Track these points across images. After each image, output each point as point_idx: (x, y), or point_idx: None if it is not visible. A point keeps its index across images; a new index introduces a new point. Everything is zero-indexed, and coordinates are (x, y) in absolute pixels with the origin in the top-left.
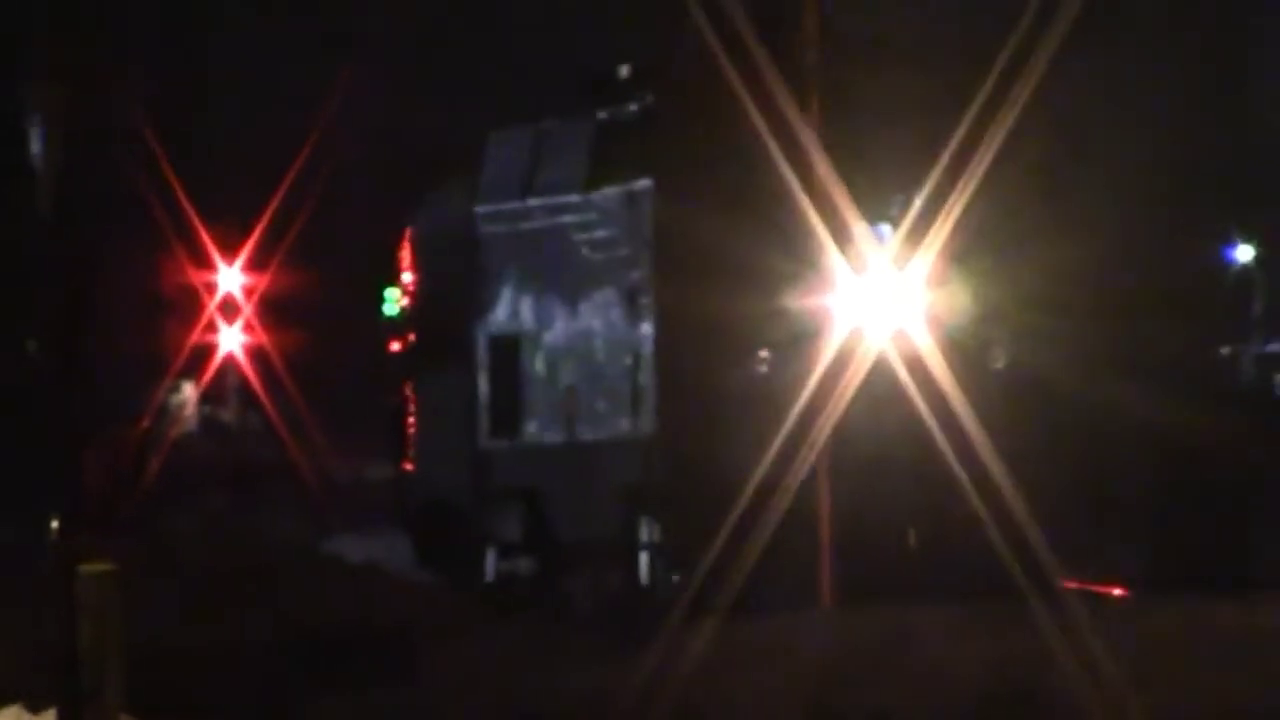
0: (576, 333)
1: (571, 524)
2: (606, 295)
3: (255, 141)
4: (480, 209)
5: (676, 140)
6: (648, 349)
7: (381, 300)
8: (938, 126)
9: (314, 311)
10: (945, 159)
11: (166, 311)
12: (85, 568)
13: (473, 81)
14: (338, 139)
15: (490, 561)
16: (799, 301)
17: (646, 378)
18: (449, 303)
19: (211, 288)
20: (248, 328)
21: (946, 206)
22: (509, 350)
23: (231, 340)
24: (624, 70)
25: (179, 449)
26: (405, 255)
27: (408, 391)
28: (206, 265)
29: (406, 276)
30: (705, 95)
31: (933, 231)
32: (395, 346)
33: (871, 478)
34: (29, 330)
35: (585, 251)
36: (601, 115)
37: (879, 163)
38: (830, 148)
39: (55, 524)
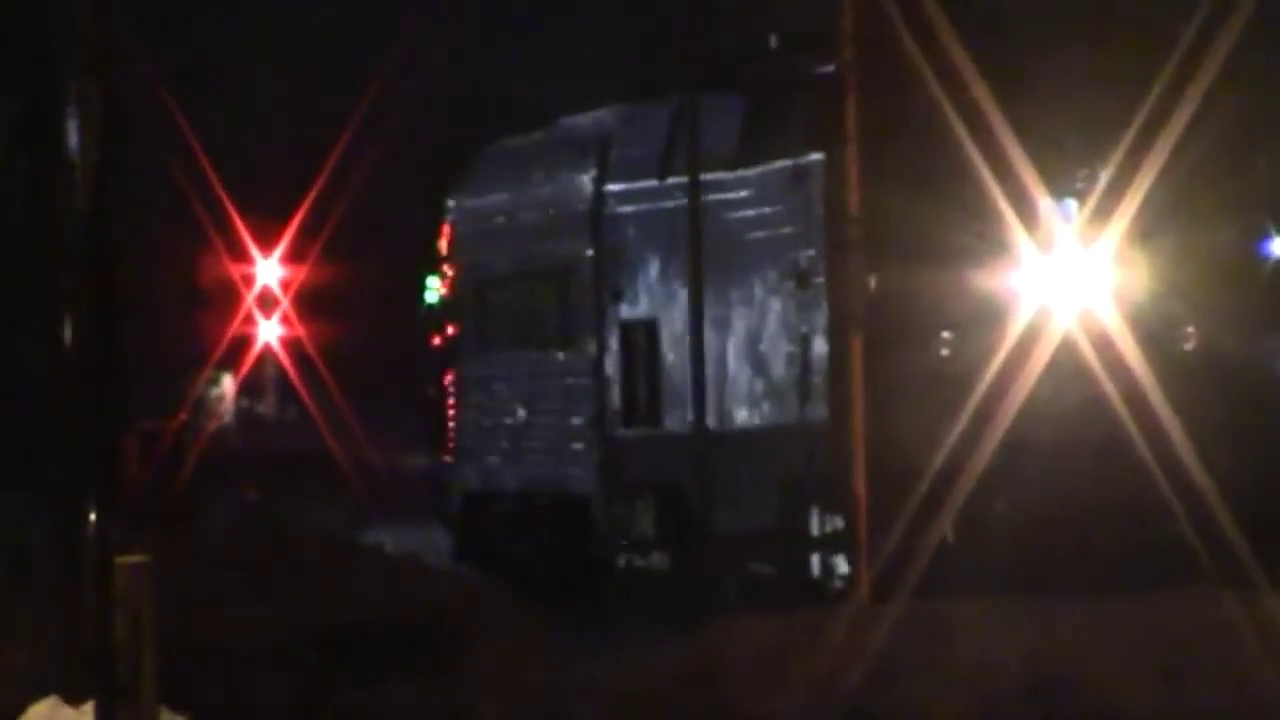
0: (732, 317)
1: (725, 516)
2: (769, 277)
3: (293, 131)
4: (613, 188)
5: (847, 112)
6: (820, 332)
7: (422, 289)
8: (1124, 100)
9: (352, 302)
10: (1131, 134)
11: (204, 304)
12: (120, 560)
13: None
14: (378, 126)
15: (620, 556)
16: (981, 281)
17: (818, 363)
18: (502, 292)
19: (249, 280)
20: (285, 320)
21: (1133, 182)
22: (647, 337)
23: (269, 332)
24: (773, 39)
25: (216, 441)
26: (445, 242)
27: (449, 382)
28: (244, 257)
29: (447, 265)
30: (879, 65)
31: (1119, 208)
32: (435, 338)
33: (1056, 464)
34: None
35: (743, 232)
36: (759, 87)
37: (1065, 137)
38: (1014, 120)
39: (91, 516)
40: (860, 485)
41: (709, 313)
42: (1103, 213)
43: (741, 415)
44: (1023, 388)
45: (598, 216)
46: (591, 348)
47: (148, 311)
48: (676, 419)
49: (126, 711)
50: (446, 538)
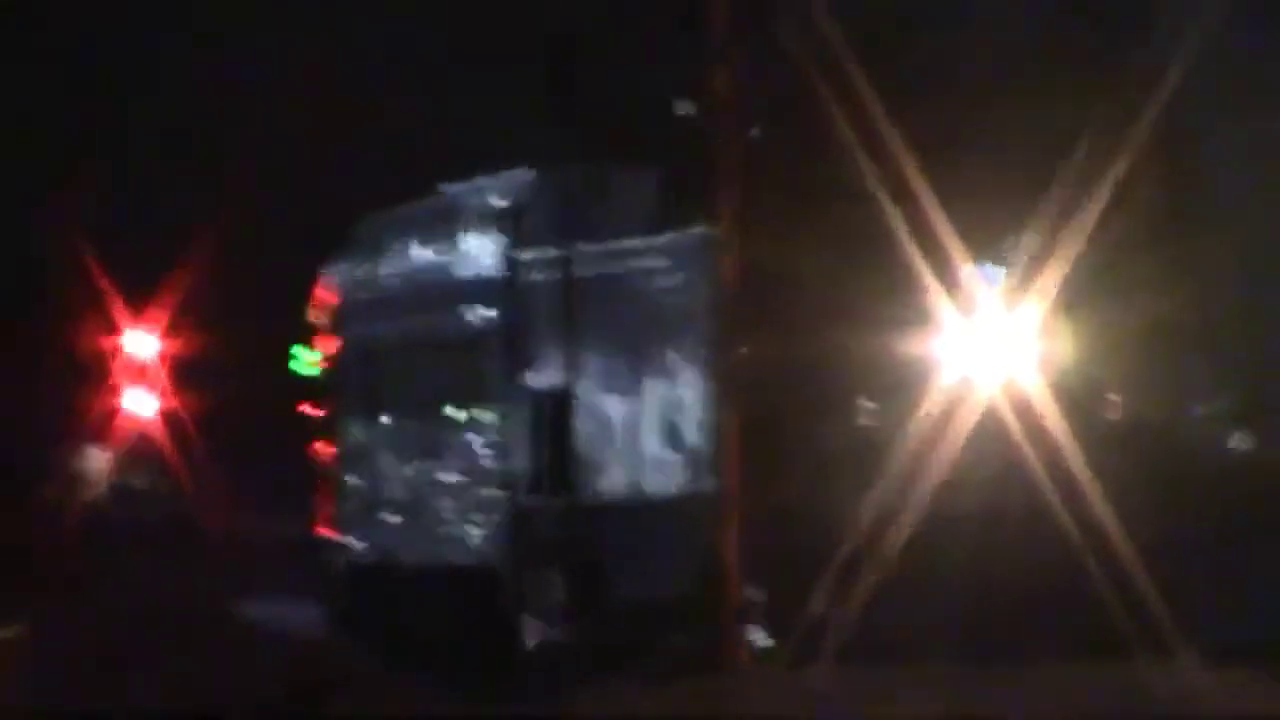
0: (644, 386)
1: (636, 584)
2: (682, 346)
3: (165, 200)
4: (524, 255)
5: (760, 179)
6: (722, 401)
7: (290, 359)
8: (1051, 168)
9: (224, 372)
10: (1058, 201)
11: (75, 376)
12: None
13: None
14: (249, 197)
15: (528, 625)
16: (903, 347)
17: (723, 432)
18: (394, 360)
19: (120, 351)
20: (157, 391)
21: (1059, 250)
22: (557, 406)
23: (141, 404)
24: (684, 106)
25: (88, 513)
26: (325, 310)
27: (330, 453)
28: (115, 329)
29: (327, 333)
30: (800, 131)
31: (1045, 275)
32: (310, 408)
33: (978, 533)
34: None
35: (652, 299)
36: (670, 155)
37: (990, 203)
38: (938, 186)
39: None
40: (730, 549)
41: (621, 381)
42: (1028, 280)
43: (656, 485)
44: (945, 456)
45: (508, 284)
46: (500, 416)
47: (15, 384)
48: (588, 487)
49: None
50: (321, 608)
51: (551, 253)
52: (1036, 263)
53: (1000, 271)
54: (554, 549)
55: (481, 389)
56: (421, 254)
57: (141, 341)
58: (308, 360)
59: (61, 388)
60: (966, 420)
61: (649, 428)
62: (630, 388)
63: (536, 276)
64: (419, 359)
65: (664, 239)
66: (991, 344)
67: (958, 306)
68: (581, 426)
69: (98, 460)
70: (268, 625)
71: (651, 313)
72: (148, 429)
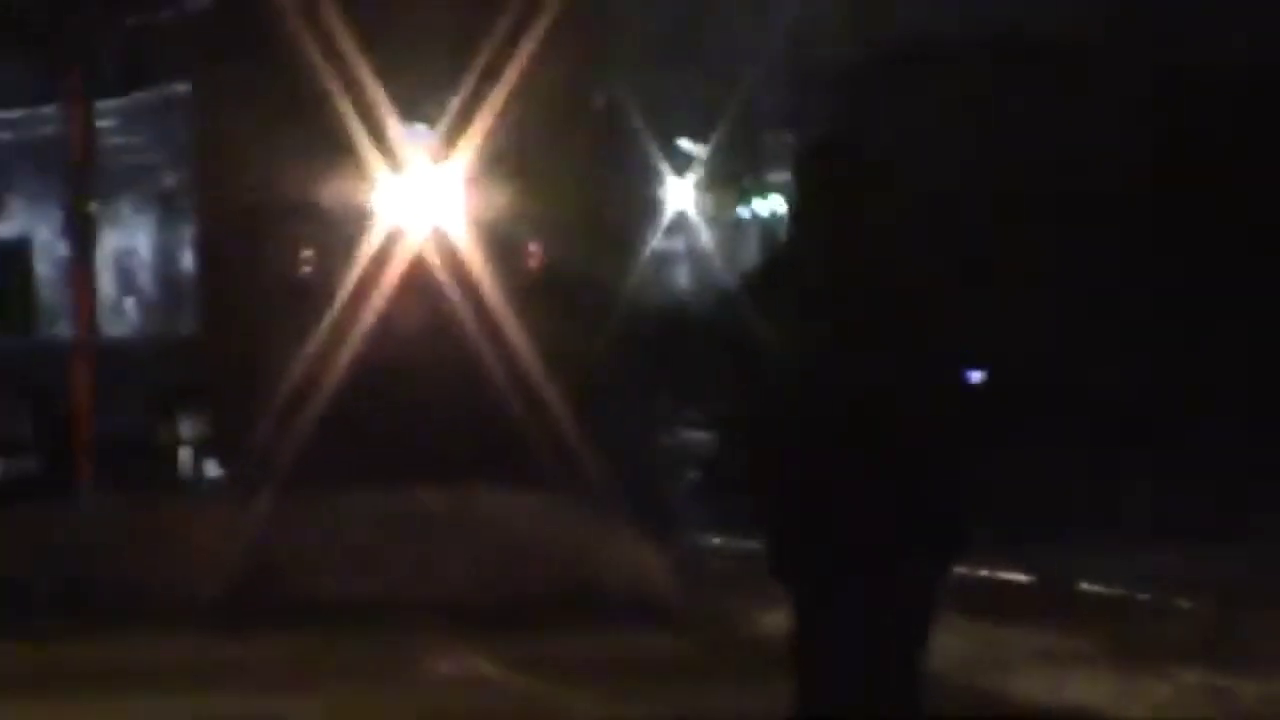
0: (103, 237)
1: (99, 421)
2: (137, 200)
3: None
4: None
5: (216, 42)
6: (189, 252)
7: None
8: (476, 27)
9: None
10: (481, 61)
11: None
12: None
13: None
14: None
15: None
16: (339, 202)
17: (184, 279)
18: None
19: None
20: None
21: (481, 108)
22: (21, 255)
23: None
24: None
25: None
26: None
27: None
28: None
29: None
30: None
31: (469, 132)
32: None
33: (405, 377)
34: None
35: (115, 157)
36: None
37: (418, 62)
38: (368, 47)
39: None
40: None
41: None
42: (453, 137)
43: (116, 327)
44: (374, 305)
45: None
46: None
47: None
48: (49, 330)
49: None
50: None
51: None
52: (462, 121)
53: (428, 130)
54: (20, 386)
55: None
56: None
57: None
58: None
59: None
60: (397, 268)
61: (109, 276)
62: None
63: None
64: None
65: (125, 100)
66: (421, 198)
67: (390, 164)
68: (44, 274)
69: None
70: None
71: (112, 171)
72: None
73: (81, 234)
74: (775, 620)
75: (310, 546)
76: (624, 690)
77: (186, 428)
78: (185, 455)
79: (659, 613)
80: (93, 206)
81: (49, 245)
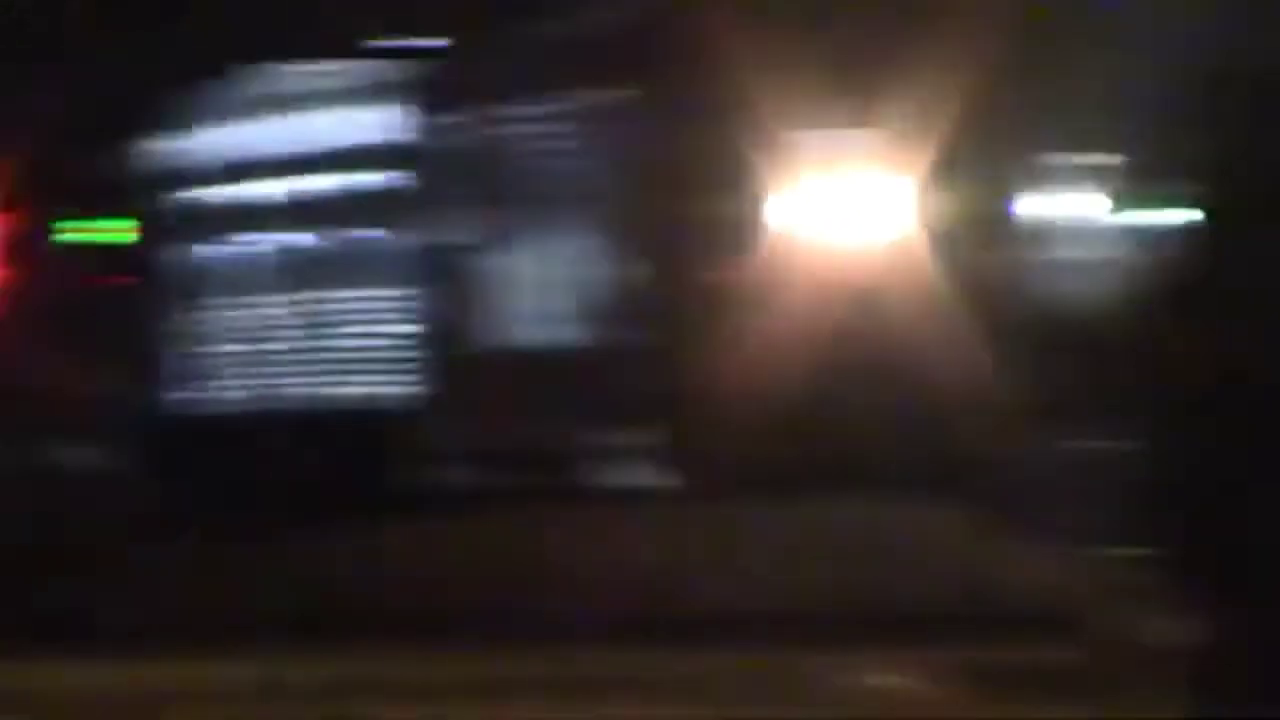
0: (558, 245)
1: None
2: (579, 208)
3: None
4: (441, 118)
5: (646, 51)
6: (613, 257)
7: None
8: (922, 26)
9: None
10: (923, 65)
11: None
12: None
13: None
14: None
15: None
16: (776, 208)
17: (636, 285)
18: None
19: None
20: None
21: (927, 111)
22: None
23: None
24: None
25: None
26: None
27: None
28: None
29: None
30: (684, 8)
31: (917, 134)
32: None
33: (855, 385)
34: None
35: (551, 163)
36: (562, 25)
37: (854, 66)
38: (808, 53)
39: None
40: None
41: (527, 239)
42: (895, 142)
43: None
44: (817, 312)
45: (419, 148)
46: (412, 274)
47: None
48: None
49: None
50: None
51: (466, 115)
52: (908, 125)
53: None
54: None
55: (393, 250)
56: (310, 119)
57: None
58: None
59: None
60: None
61: (552, 282)
62: (535, 244)
63: (451, 139)
64: (297, 224)
65: (570, 103)
66: (868, 203)
67: (834, 169)
68: (492, 281)
69: None
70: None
71: (554, 173)
72: None
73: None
74: (1179, 630)
75: (712, 557)
76: (1042, 701)
77: (634, 436)
78: (632, 463)
79: (1061, 623)
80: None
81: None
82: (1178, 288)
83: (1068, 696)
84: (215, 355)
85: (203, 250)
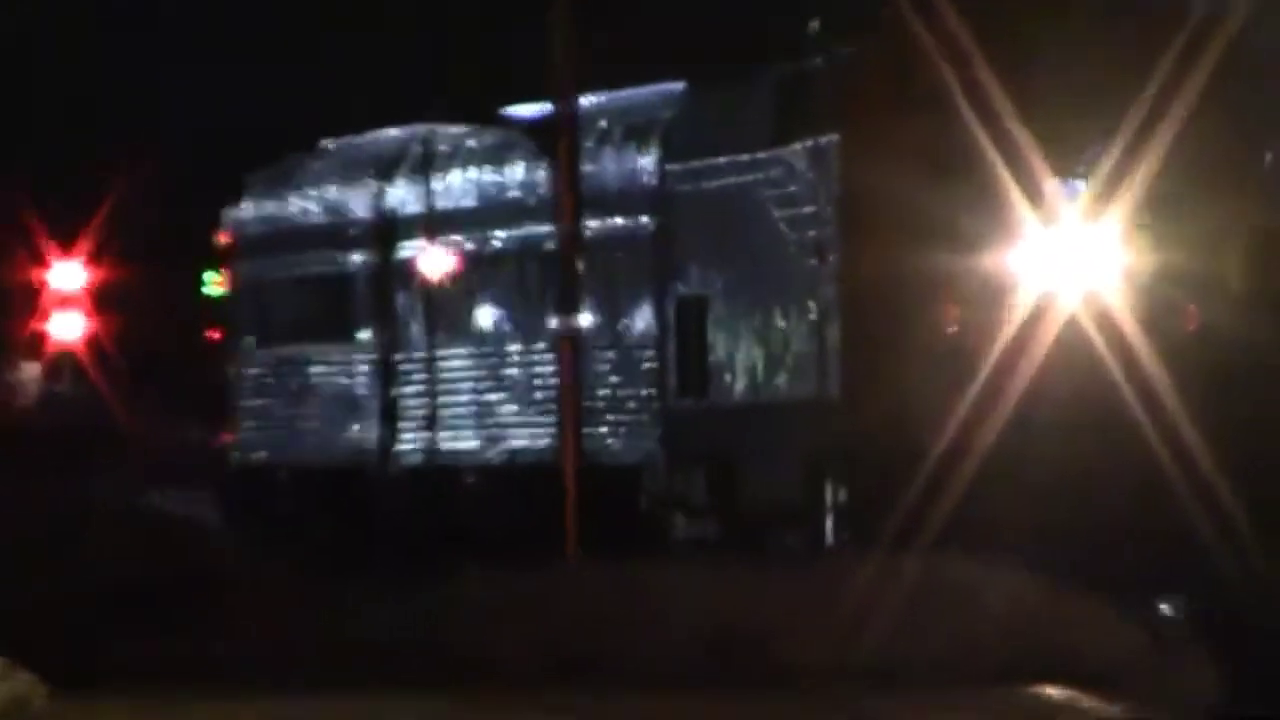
0: (766, 296)
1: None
2: (789, 253)
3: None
4: (673, 166)
5: (864, 95)
6: (833, 308)
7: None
8: (1131, 82)
9: (142, 297)
10: (1137, 115)
11: (9, 304)
12: None
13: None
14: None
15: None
16: (988, 258)
17: (832, 338)
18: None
19: (48, 282)
20: (83, 313)
21: (1139, 162)
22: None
23: (67, 326)
24: (814, 25)
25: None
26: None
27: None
28: (43, 263)
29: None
30: (893, 49)
31: (1124, 189)
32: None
33: (1058, 443)
34: None
35: (768, 208)
36: (784, 70)
37: (1073, 117)
38: (1021, 101)
39: None
40: None
41: (740, 291)
42: (1108, 193)
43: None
44: (1028, 365)
45: (657, 194)
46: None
47: None
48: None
49: None
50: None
51: (694, 164)
52: (1117, 177)
53: (1081, 185)
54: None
55: (622, 297)
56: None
57: (67, 273)
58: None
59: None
60: (1048, 331)
61: (772, 335)
62: (758, 297)
63: (680, 188)
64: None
65: (787, 150)
66: (1073, 256)
67: (1041, 220)
68: (718, 334)
69: (29, 373)
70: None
71: (770, 223)
72: (74, 349)
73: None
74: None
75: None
76: None
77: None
78: (832, 519)
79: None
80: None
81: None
82: None
83: None
84: (440, 409)
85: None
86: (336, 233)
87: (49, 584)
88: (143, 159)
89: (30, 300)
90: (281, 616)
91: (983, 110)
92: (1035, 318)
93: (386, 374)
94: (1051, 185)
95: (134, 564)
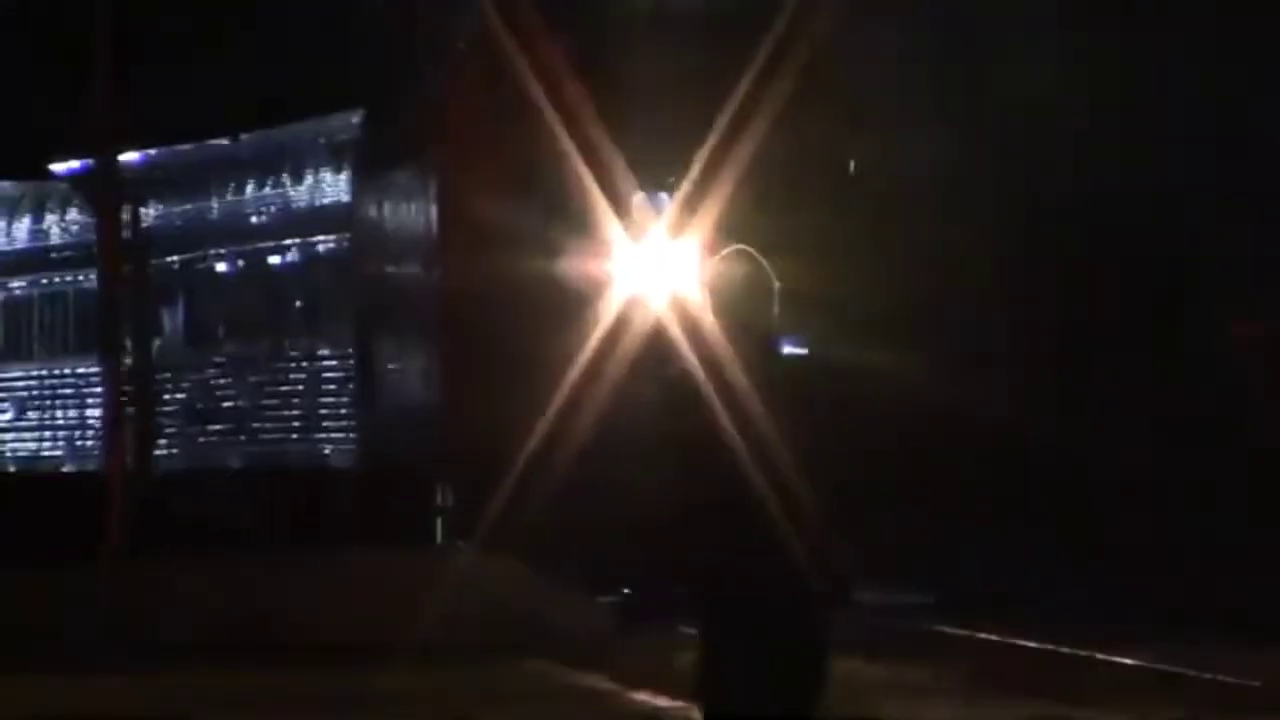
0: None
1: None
2: (415, 269)
3: None
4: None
5: (460, 120)
6: (436, 320)
7: None
8: (718, 99)
9: None
10: (722, 129)
11: None
12: None
13: None
14: None
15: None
16: (577, 269)
17: (437, 349)
18: None
19: None
20: None
21: (722, 176)
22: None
23: None
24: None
25: None
26: None
27: None
28: None
29: None
30: (483, 69)
31: (708, 202)
32: None
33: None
34: None
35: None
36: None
37: (658, 133)
38: (607, 118)
39: None
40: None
41: None
42: (694, 205)
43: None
44: (611, 374)
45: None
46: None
47: None
48: None
49: None
50: None
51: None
52: (702, 190)
53: (666, 198)
54: None
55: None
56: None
57: None
58: None
59: None
60: (635, 336)
61: (405, 348)
62: (406, 314)
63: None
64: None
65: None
66: (660, 268)
67: (628, 232)
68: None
69: None
70: None
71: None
72: None
73: None
74: None
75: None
76: None
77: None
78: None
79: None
80: None
81: None
82: None
83: None
84: None
85: None
86: None
87: None
88: None
89: None
90: None
91: (572, 126)
92: (621, 325)
93: None
94: (638, 198)
95: None
